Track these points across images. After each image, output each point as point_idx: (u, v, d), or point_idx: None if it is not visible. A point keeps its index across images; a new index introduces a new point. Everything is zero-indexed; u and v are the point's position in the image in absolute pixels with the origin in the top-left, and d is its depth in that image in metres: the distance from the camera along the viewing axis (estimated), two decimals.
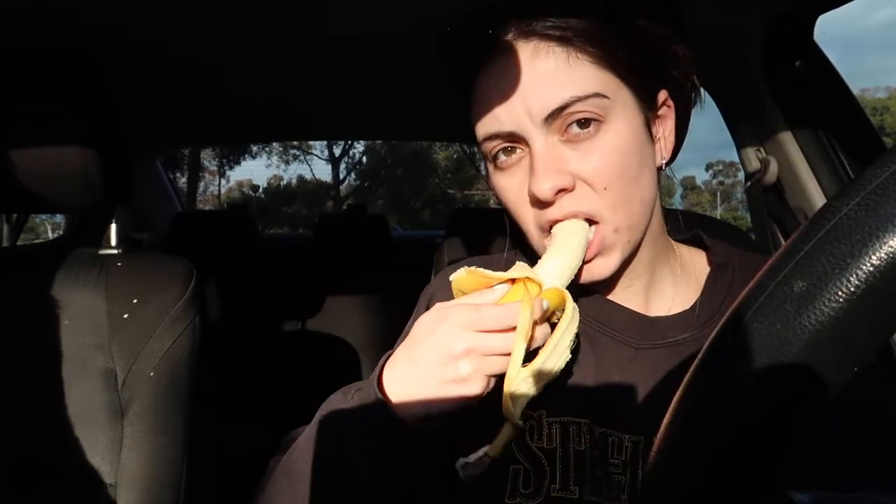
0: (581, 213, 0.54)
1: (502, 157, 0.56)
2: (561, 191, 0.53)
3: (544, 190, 0.52)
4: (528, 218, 0.57)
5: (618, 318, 0.61)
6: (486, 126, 0.56)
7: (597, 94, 0.52)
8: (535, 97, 0.52)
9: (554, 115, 0.52)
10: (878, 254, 0.22)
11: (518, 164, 0.56)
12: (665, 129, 0.59)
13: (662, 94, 0.58)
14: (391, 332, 0.65)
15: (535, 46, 0.53)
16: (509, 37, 0.54)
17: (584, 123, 0.52)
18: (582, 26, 0.52)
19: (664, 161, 0.59)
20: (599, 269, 0.56)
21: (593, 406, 0.58)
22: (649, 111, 0.56)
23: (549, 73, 0.52)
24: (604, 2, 0.53)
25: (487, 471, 0.56)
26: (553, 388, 0.59)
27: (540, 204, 0.54)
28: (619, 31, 0.53)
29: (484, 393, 0.48)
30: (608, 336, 0.61)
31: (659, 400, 0.30)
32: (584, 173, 0.53)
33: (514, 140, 0.55)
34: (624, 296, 0.62)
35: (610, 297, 0.63)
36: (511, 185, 0.57)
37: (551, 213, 0.54)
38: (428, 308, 0.68)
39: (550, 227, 0.55)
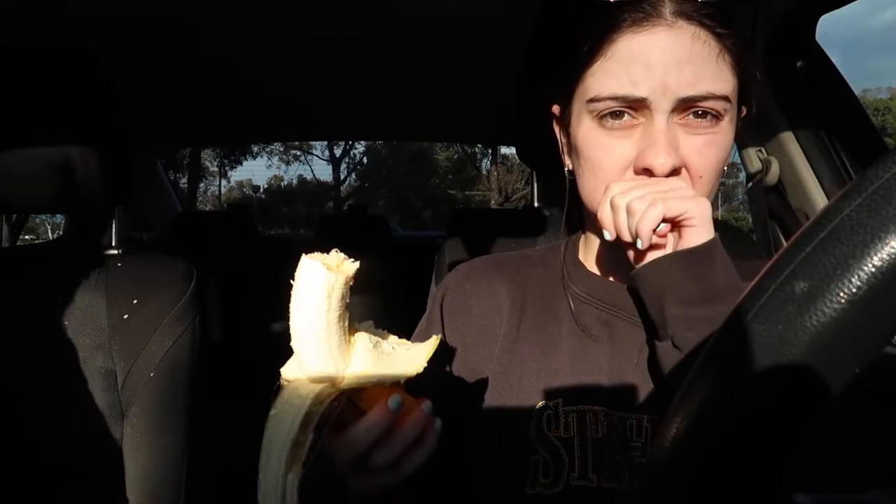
0: None
1: (611, 120, 0.57)
2: (672, 171, 0.54)
3: (663, 165, 0.53)
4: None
5: (632, 303, 0.62)
6: (614, 86, 0.55)
7: (727, 98, 0.55)
8: (681, 77, 0.53)
9: (687, 101, 0.54)
10: (879, 255, 0.22)
11: (628, 130, 0.56)
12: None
13: (744, 110, 0.61)
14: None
15: (696, 32, 0.54)
16: (674, 11, 0.55)
17: (702, 115, 0.55)
18: (734, 34, 0.56)
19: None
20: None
21: (610, 392, 0.60)
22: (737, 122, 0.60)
23: (701, 61, 0.54)
24: (750, 23, 0.56)
25: (508, 463, 0.58)
26: (569, 376, 0.61)
27: (644, 176, 0.55)
28: (748, 50, 0.58)
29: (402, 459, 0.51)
30: (625, 320, 0.62)
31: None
32: (691, 159, 0.55)
33: (632, 107, 0.55)
34: None
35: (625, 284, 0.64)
36: (615, 149, 0.57)
37: None
38: (442, 304, 0.69)
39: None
